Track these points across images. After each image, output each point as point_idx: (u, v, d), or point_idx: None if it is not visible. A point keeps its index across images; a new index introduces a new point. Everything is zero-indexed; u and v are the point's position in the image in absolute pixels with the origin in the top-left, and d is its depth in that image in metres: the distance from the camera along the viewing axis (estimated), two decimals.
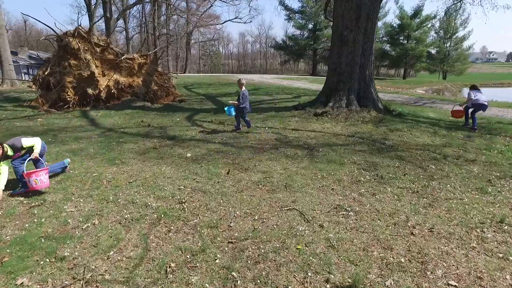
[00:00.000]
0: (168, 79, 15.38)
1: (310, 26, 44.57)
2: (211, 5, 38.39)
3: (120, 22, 40.33)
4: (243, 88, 7.97)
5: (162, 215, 3.87)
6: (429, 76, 50.96)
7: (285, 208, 4.06)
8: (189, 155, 6.16)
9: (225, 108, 8.07)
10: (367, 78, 10.11)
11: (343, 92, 9.88)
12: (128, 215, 3.87)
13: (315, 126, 8.50)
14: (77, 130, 8.41)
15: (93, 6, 32.04)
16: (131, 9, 32.30)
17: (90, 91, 12.60)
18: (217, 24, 46.59)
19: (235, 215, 3.91)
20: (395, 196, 4.44)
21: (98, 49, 13.16)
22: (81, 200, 4.28)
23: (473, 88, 8.87)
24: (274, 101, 13.16)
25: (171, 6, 35.99)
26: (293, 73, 60.70)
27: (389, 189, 4.67)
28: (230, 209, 4.05)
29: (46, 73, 12.25)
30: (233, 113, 8.00)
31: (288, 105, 11.87)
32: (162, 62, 40.29)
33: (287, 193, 4.52)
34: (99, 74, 13.08)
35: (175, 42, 42.82)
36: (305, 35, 45.99)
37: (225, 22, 64.54)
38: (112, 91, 13.13)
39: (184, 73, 45.77)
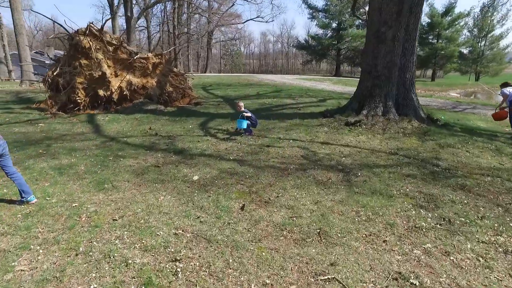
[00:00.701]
0: (184, 80, 14.29)
1: (334, 25, 42.79)
2: (233, 4, 37.31)
3: (143, 21, 39.87)
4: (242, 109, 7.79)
5: (145, 285, 2.65)
6: (460, 78, 48.08)
7: (322, 278, 2.76)
8: (196, 178, 4.94)
9: (239, 121, 7.38)
10: (407, 82, 8.62)
11: (379, 98, 8.43)
12: (96, 283, 2.68)
13: (348, 139, 7.13)
14: (76, 138, 7.38)
15: (115, 6, 31.59)
16: (152, 8, 31.57)
17: (101, 92, 11.65)
18: (239, 23, 45.51)
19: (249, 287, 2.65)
20: (481, 260, 3.03)
21: (110, 48, 12.20)
22: (42, 251, 3.12)
23: (506, 85, 8.21)
24: (298, 106, 11.82)
25: (193, 5, 35.12)
26: (314, 73, 58.94)
27: (468, 244, 3.27)
28: (242, 276, 2.79)
29: (55, 73, 11.38)
30: (245, 126, 7.41)
31: (314, 110, 10.50)
32: (181, 61, 39.58)
33: (322, 246, 3.22)
34: (111, 74, 12.12)
35: (196, 42, 42.01)
36: (329, 35, 44.23)
37: (246, 21, 63.34)
38: (124, 93, 12.15)
39: (205, 72, 44.95)
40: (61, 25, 11.88)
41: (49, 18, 12.26)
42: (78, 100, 11.49)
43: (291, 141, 6.98)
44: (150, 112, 10.77)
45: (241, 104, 7.88)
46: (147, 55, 13.00)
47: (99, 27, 12.21)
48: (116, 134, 7.77)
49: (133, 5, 30.30)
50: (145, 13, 34.18)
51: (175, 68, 14.07)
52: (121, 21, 35.25)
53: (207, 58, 46.95)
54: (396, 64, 8.34)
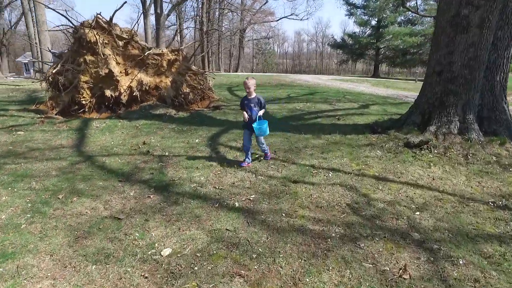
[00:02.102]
0: (203, 79, 12.29)
1: (374, 22, 39.27)
2: (266, 1, 35.02)
3: (174, 19, 38.64)
4: (253, 93, 5.05)
5: None
6: None
7: None
8: (166, 252, 2.80)
9: (256, 126, 4.94)
10: (497, 87, 6.01)
11: (454, 110, 5.89)
12: None
13: (415, 172, 4.69)
14: (44, 155, 5.51)
15: (147, 4, 30.37)
16: (184, 5, 30.03)
17: (108, 93, 9.87)
18: (272, 21, 43.12)
19: None
20: None
21: (120, 43, 10.39)
22: None
23: None
24: (337, 114, 9.41)
25: (225, 2, 33.26)
26: (350, 74, 55.50)
27: None
28: None
29: (54, 71, 9.73)
30: (267, 131, 5.10)
31: (357, 121, 8.07)
32: (212, 60, 37.93)
33: None
34: (120, 72, 10.32)
35: (227, 40, 40.21)
36: (367, 33, 40.76)
37: (280, 19, 60.50)
38: (134, 94, 10.32)
39: (236, 72, 43.09)
40: (66, 17, 10.23)
41: (59, 13, 10.69)
42: (83, 101, 9.80)
43: (330, 173, 4.65)
44: (157, 118, 8.81)
45: (252, 82, 4.95)
46: (162, 51, 11.09)
47: (108, 18, 10.44)
48: (98, 150, 5.82)
49: (164, 2, 28.94)
50: (176, 10, 32.77)
51: (193, 66, 12.07)
52: (152, 20, 34.10)
53: (239, 57, 45.01)
54: (482, 62, 5.74)
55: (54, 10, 11.55)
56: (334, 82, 22.99)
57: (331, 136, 6.63)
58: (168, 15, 27.86)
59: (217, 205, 3.70)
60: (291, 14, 40.64)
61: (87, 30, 9.78)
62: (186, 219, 3.37)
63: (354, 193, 4.00)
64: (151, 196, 3.90)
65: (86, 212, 3.51)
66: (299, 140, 6.40)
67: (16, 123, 8.00)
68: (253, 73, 41.01)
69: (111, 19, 10.35)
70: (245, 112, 4.93)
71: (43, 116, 8.92)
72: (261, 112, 4.97)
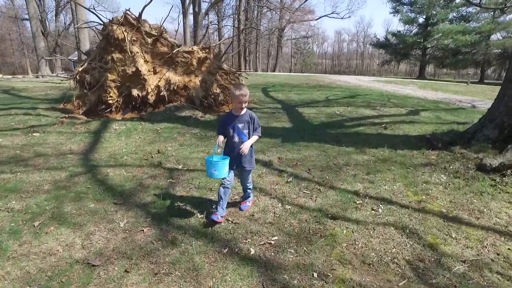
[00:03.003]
0: (235, 79, 11.42)
1: (421, 19, 36.35)
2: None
3: (214, 18, 38.32)
4: (243, 108, 3.16)
5: None
6: None
7: None
8: None
9: (209, 162, 3.05)
10: None
11: None
12: None
13: (501, 213, 3.38)
14: (48, 163, 4.85)
15: (187, 3, 30.18)
16: (222, 4, 29.46)
17: (135, 92, 9.27)
18: (311, 20, 41.49)
19: None
20: None
21: (149, 40, 9.76)
22: None
23: None
24: (382, 121, 8.11)
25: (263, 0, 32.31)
26: (392, 75, 52.48)
27: None
28: None
29: (81, 69, 9.29)
30: (222, 174, 3.06)
31: (408, 131, 6.75)
32: (249, 59, 37.17)
33: None
34: (148, 71, 9.70)
35: (265, 39, 39.25)
36: (413, 31, 37.88)
37: (320, 17, 58.50)
38: (162, 94, 9.66)
39: (274, 71, 42.05)
40: (95, 13, 9.76)
41: (87, 9, 10.29)
42: (110, 101, 9.27)
43: (380, 205, 3.50)
44: (182, 121, 8.03)
45: (247, 92, 3.13)
46: (192, 48, 10.34)
47: (137, 15, 9.84)
48: (106, 159, 5.08)
49: (202, 2, 28.55)
50: (215, 9, 32.35)
51: (224, 65, 11.22)
52: (192, 19, 33.99)
53: (277, 57, 43.86)
54: None
55: (82, 6, 11.18)
56: (376, 84, 21.26)
57: (378, 151, 5.41)
58: (206, 13, 27.41)
59: (226, 250, 2.71)
60: (332, 13, 38.82)
61: (115, 27, 9.23)
62: (180, 273, 2.42)
63: (415, 242, 2.84)
64: (145, 230, 3.01)
65: (57, 251, 2.68)
66: (339, 155, 5.26)
67: (39, 123, 7.57)
68: (291, 73, 39.74)
69: (140, 15, 9.74)
70: (220, 137, 3.18)
71: (67, 115, 8.47)
72: (251, 141, 3.13)
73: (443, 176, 4.25)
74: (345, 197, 3.70)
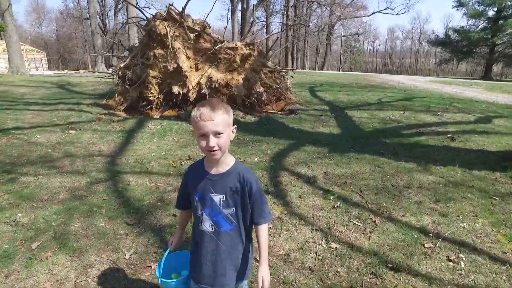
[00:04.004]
0: (281, 78, 10.68)
1: (491, 12, 32.49)
2: None
3: (262, 15, 37.73)
4: (227, 156, 1.48)
5: None
6: None
7: None
8: None
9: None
10: None
11: None
12: None
13: None
14: (73, 165, 4.50)
15: (235, 0, 29.91)
16: (269, 0, 28.73)
17: (175, 89, 8.93)
18: (363, 16, 39.20)
19: None
20: None
21: (192, 35, 9.36)
22: None
23: None
24: (447, 129, 6.90)
25: None
26: (450, 75, 48.28)
27: None
28: None
29: (122, 65, 9.12)
30: None
31: (483, 144, 5.54)
32: (297, 57, 36.12)
33: None
34: (190, 67, 9.30)
35: (314, 36, 37.85)
36: (480, 26, 34.07)
37: (373, 13, 55.01)
38: (203, 91, 9.23)
39: (322, 70, 40.56)
40: (139, 9, 9.56)
41: (133, 5, 10.15)
42: (151, 98, 9.02)
43: (459, 252, 2.58)
44: None
45: (221, 117, 1.34)
46: (235, 45, 9.77)
47: (180, 9, 9.47)
48: (132, 164, 4.62)
49: None
50: (264, 5, 31.72)
51: (269, 62, 10.52)
52: (240, 16, 33.69)
53: (326, 54, 42.21)
54: None
55: (131, 4, 11.07)
56: (434, 85, 19.27)
57: (447, 170, 4.37)
58: (254, 10, 26.87)
59: None
60: (386, 8, 36.04)
61: (157, 22, 8.93)
62: None
63: None
64: (153, 266, 2.40)
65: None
66: (398, 172, 4.31)
67: (78, 119, 7.45)
68: (339, 72, 37.99)
69: (183, 9, 9.36)
70: (179, 224, 1.78)
71: (107, 112, 8.33)
72: (264, 252, 1.53)
73: None
74: (409, 235, 2.82)
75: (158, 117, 8.27)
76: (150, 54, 9.03)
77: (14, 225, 2.94)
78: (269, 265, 2.35)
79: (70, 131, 6.26)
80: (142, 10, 9.63)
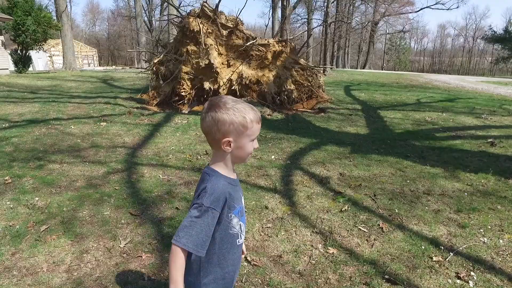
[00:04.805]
0: (313, 76, 10.43)
1: None
2: None
3: (303, 12, 37.18)
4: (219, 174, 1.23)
5: None
6: None
7: None
8: None
9: None
10: None
11: None
12: None
13: None
14: (97, 155, 4.71)
15: None
16: None
17: (207, 85, 9.09)
18: (410, 12, 37.09)
19: None
20: None
21: (224, 32, 9.45)
22: None
23: None
24: (488, 133, 6.31)
25: None
26: (509, 75, 44.37)
27: None
28: None
29: (156, 60, 9.42)
30: None
31: None
32: (338, 56, 35.18)
33: None
34: (222, 64, 9.42)
35: (357, 34, 36.58)
36: None
37: (421, 9, 51.96)
38: (233, 88, 9.30)
39: (363, 68, 39.16)
40: (174, 5, 9.79)
41: (169, 3, 10.42)
42: (182, 93, 9.26)
43: (472, 269, 2.31)
44: None
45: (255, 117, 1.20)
46: (267, 41, 9.70)
47: (214, 6, 9.58)
48: (151, 156, 4.74)
49: None
50: (306, 2, 31.21)
51: (302, 60, 10.31)
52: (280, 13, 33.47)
53: (368, 53, 40.63)
54: None
55: (168, 3, 11.38)
56: (485, 86, 17.81)
57: (478, 178, 3.98)
58: (294, 7, 26.53)
59: None
60: (436, 3, 33.55)
61: (191, 19, 9.10)
62: None
63: None
64: (143, 257, 2.42)
65: (40, 269, 2.26)
66: (420, 177, 4.00)
67: (112, 112, 7.81)
68: (382, 71, 36.39)
69: (217, 6, 9.46)
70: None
71: (139, 106, 8.65)
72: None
73: None
74: (416, 246, 2.58)
75: (186, 112, 8.44)
76: (183, 50, 9.23)
77: (31, 208, 3.12)
78: (257, 266, 2.27)
79: (102, 123, 6.57)
80: (177, 8, 9.85)
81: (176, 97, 9.40)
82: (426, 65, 55.36)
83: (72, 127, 6.26)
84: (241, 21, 9.83)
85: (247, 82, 9.44)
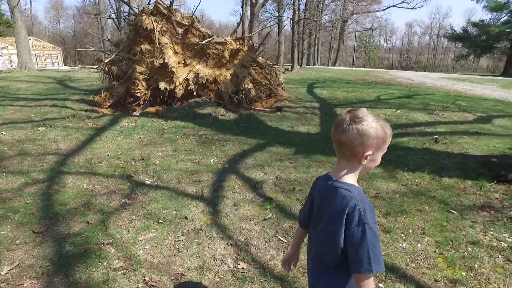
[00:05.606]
0: (272, 74, 10.27)
1: None
2: None
3: (274, 9, 37.06)
4: None
5: None
6: None
7: None
8: None
9: None
10: None
11: None
12: None
13: None
14: (20, 164, 4.30)
15: None
16: None
17: (162, 85, 8.74)
18: (378, 10, 37.85)
19: None
20: None
21: (180, 30, 9.11)
22: None
23: None
24: (436, 130, 6.35)
25: None
26: (470, 71, 46.28)
27: None
28: None
29: (106, 60, 8.95)
30: None
31: (468, 148, 4.99)
32: (307, 54, 35.38)
33: None
34: (178, 63, 9.09)
35: (327, 32, 36.91)
36: (502, 19, 32.22)
37: (388, 7, 53.31)
38: (190, 87, 9.00)
39: (334, 66, 39.63)
40: (126, 2, 9.36)
41: (124, 2, 9.95)
42: (138, 94, 8.85)
43: (383, 278, 2.19)
44: (198, 119, 7.19)
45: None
46: (224, 39, 9.45)
47: (169, 4, 9.21)
48: (82, 164, 4.39)
49: None
50: (277, 0, 31.10)
51: (260, 58, 10.13)
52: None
53: (338, 50, 41.13)
54: None
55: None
56: (445, 82, 18.36)
57: (415, 177, 3.92)
58: (263, 5, 26.35)
59: None
60: (402, 2, 34.33)
61: (144, 17, 8.70)
62: None
63: None
64: (26, 284, 2.13)
65: None
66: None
67: (57, 115, 7.33)
68: (351, 68, 36.97)
69: (171, 3, 9.10)
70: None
71: (88, 108, 8.18)
72: None
73: (506, 234, 2.70)
74: None
75: (138, 114, 8.07)
76: (137, 49, 8.82)
77: None
78: (154, 286, 2.04)
79: (40, 128, 6.11)
80: (129, 4, 9.42)
81: (131, 98, 8.98)
82: (395, 62, 56.84)
83: (4, 133, 5.78)
84: (197, 18, 9.52)
85: (204, 81, 9.16)
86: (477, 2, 33.22)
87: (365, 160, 1.14)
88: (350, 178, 1.19)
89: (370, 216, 1.10)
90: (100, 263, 2.34)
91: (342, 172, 1.19)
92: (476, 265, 2.30)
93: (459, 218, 2.93)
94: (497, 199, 3.27)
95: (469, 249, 2.49)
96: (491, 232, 2.70)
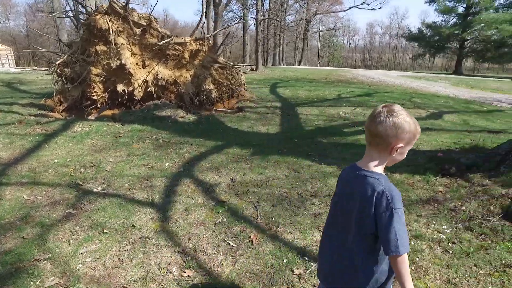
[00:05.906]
0: (233, 74, 10.22)
1: (461, 9, 32.78)
2: None
3: (239, 10, 37.00)
4: None
5: None
6: None
7: None
8: None
9: None
10: None
11: None
12: None
13: None
14: None
15: None
16: None
17: (120, 87, 8.40)
18: (340, 11, 38.95)
19: None
20: None
21: (137, 31, 8.80)
22: None
23: None
24: None
25: None
26: (426, 70, 48.84)
27: None
28: None
29: (58, 62, 8.47)
30: None
31: (418, 143, 5.23)
32: (274, 53, 35.66)
33: None
34: (137, 64, 8.79)
35: (292, 31, 37.41)
36: (451, 22, 34.33)
37: (349, 8, 55.14)
38: (149, 89, 8.72)
39: (299, 65, 40.25)
40: (80, 3, 8.90)
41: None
42: (94, 97, 8.44)
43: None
44: (156, 122, 6.99)
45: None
46: (184, 40, 9.26)
47: (124, 3, 8.86)
48: (24, 173, 4.09)
49: None
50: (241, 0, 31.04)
51: (221, 58, 10.04)
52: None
53: (303, 50, 41.84)
54: None
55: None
56: (403, 80, 19.19)
57: None
58: (227, 5, 26.21)
59: None
60: (362, 3, 35.62)
61: (98, 16, 8.32)
62: None
63: None
64: None
65: None
66: (313, 177, 3.93)
67: (1, 121, 6.81)
68: (316, 67, 37.75)
69: (127, 3, 8.77)
70: None
71: (38, 113, 7.68)
72: None
73: (445, 225, 2.82)
74: (281, 259, 2.41)
75: (94, 118, 7.70)
76: (92, 50, 8.43)
77: None
78: None
79: None
80: (82, 3, 8.97)
81: (87, 101, 8.56)
82: (358, 61, 58.79)
83: None
84: (155, 18, 9.26)
85: (164, 83, 8.95)
86: (429, 5, 35.14)
87: (395, 152, 1.21)
88: (378, 168, 1.25)
89: (397, 202, 1.17)
90: (32, 282, 2.17)
91: (371, 162, 1.25)
92: (417, 258, 2.38)
93: (406, 213, 3.03)
94: (441, 192, 3.42)
95: (412, 243, 2.57)
96: (433, 225, 2.81)
